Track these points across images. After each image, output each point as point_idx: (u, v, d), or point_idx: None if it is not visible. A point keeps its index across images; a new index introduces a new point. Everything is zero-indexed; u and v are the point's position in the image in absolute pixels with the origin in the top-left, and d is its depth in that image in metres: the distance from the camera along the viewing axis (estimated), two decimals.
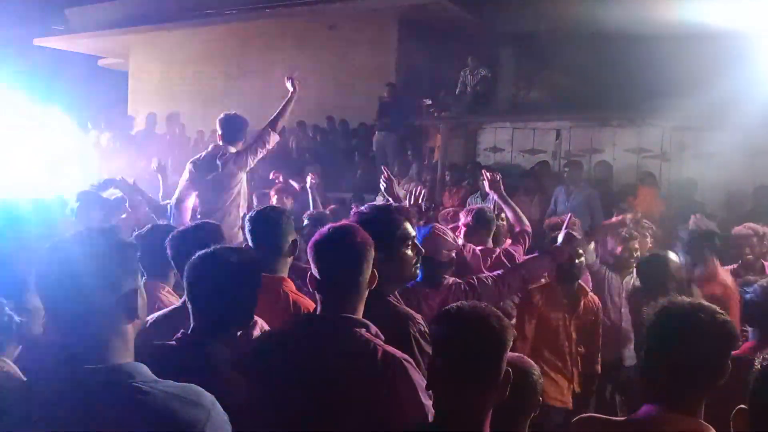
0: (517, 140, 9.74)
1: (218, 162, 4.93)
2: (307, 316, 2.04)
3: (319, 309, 2.03)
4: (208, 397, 1.45)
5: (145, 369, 1.45)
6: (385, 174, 3.72)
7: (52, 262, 1.45)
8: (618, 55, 9.01)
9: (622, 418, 1.88)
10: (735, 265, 4.91)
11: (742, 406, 1.45)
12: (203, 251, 2.10)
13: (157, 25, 13.36)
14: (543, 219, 7.54)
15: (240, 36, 13.01)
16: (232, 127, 5.06)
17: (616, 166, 8.63)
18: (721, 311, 1.84)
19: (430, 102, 10.72)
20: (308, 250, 2.03)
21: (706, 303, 1.88)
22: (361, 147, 11.22)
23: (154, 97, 14.02)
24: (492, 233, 4.34)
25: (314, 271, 2.01)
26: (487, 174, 4.38)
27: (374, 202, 3.71)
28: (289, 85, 5.26)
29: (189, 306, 2.07)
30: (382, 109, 10.78)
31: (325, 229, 2.05)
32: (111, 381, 1.40)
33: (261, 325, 2.35)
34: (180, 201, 5.02)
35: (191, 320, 2.06)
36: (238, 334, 2.16)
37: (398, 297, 2.39)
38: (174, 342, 2.01)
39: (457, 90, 10.68)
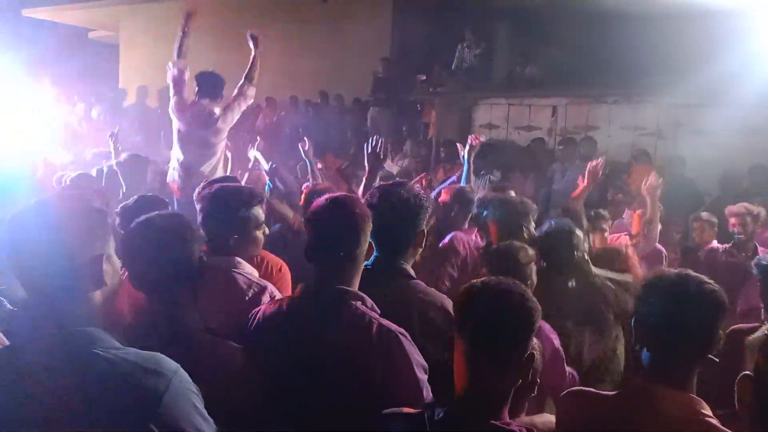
0: (513, 117, 9.67)
1: (213, 117, 4.99)
2: (303, 288, 2.00)
3: (314, 280, 2.00)
4: (170, 365, 1.41)
5: (107, 336, 1.42)
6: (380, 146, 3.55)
7: (15, 229, 1.43)
8: (615, 32, 8.92)
9: (612, 393, 1.84)
10: (728, 245, 4.92)
11: (747, 372, 1.42)
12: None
13: None
14: (537, 196, 7.53)
15: (232, 8, 12.81)
16: (211, 83, 5.07)
17: (611, 143, 8.58)
18: (708, 281, 1.77)
19: (424, 78, 10.62)
20: (305, 220, 1.99)
21: (693, 273, 1.81)
22: (355, 123, 11.12)
23: (145, 70, 13.80)
24: (469, 216, 4.18)
25: (310, 241, 1.98)
26: (473, 138, 4.34)
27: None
28: (251, 44, 5.30)
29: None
30: (377, 84, 10.67)
31: (322, 199, 2.01)
32: (71, 346, 1.38)
33: (270, 291, 2.34)
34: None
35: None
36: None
37: None
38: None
39: (453, 65, 10.58)
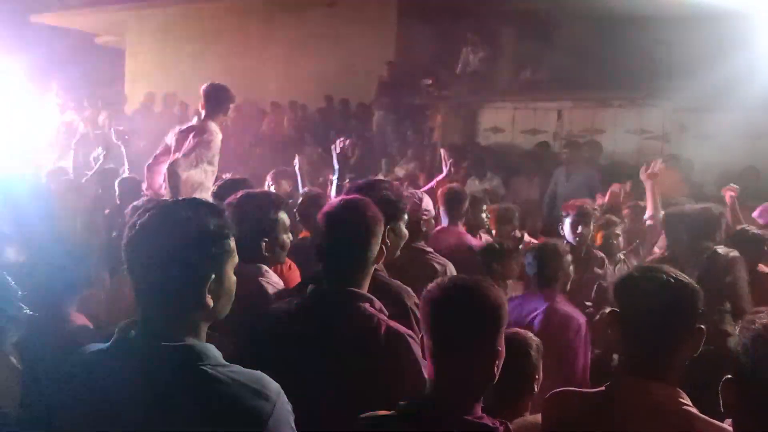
0: (518, 120, 9.67)
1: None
2: (313, 290, 2.02)
3: (324, 281, 2.02)
4: (274, 387, 1.41)
5: (214, 351, 1.40)
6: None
7: (139, 230, 1.40)
8: (620, 35, 8.93)
9: (595, 389, 1.82)
10: None
11: (729, 376, 1.41)
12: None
13: (152, 0, 13.21)
14: (542, 199, 7.54)
15: (238, 13, 12.86)
16: (218, 99, 4.79)
17: (617, 147, 8.59)
18: (682, 275, 1.76)
19: (429, 82, 10.63)
20: (319, 220, 2.02)
21: (666, 267, 1.80)
22: (360, 127, 11.14)
23: (151, 76, 13.89)
24: (463, 217, 4.05)
25: (322, 241, 2.00)
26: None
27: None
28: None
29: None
30: (382, 88, 10.69)
31: (336, 200, 2.05)
32: (177, 361, 1.35)
33: None
34: (155, 164, 4.80)
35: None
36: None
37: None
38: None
39: (458, 69, 10.59)
